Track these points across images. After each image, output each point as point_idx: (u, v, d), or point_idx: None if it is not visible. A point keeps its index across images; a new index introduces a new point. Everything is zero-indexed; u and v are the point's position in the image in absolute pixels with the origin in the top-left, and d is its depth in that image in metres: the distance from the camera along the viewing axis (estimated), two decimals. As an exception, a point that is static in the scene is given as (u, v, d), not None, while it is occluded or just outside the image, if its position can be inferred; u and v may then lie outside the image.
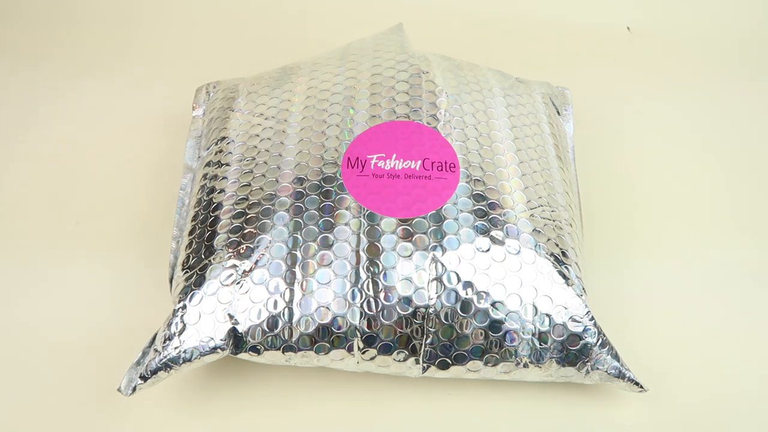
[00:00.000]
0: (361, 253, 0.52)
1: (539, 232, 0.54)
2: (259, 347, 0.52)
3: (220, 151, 0.60)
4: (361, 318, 0.51)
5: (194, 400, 0.56)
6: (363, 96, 0.60)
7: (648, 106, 0.79)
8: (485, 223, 0.53)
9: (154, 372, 0.52)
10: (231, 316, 0.52)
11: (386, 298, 0.51)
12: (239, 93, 0.64)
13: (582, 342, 0.53)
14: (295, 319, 0.52)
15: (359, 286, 0.52)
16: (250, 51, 0.82)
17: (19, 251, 0.65)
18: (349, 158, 0.56)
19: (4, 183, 0.70)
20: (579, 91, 0.73)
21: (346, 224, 0.53)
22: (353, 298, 0.51)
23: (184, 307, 0.53)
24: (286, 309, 0.52)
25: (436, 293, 0.52)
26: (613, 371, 0.53)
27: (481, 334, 0.52)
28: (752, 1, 0.89)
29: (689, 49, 0.85)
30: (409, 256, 0.52)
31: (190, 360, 0.52)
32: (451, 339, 0.52)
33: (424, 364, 0.53)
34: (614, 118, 0.77)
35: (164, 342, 0.52)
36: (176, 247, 0.58)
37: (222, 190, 0.57)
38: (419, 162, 0.56)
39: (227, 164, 0.59)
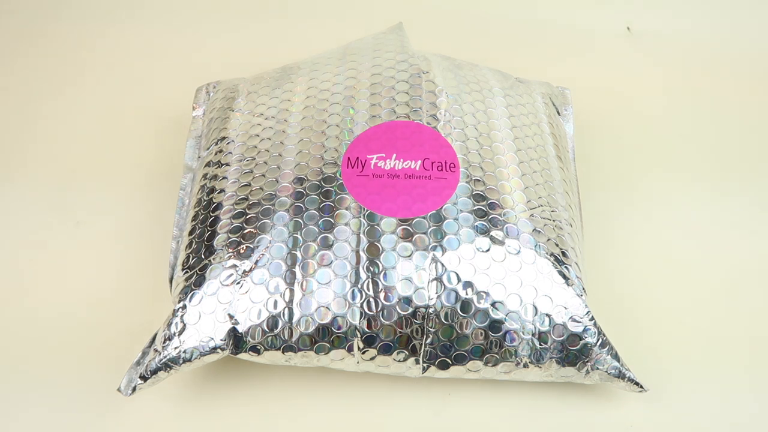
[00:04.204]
0: (361, 253, 0.52)
1: (539, 232, 0.54)
2: (259, 347, 0.52)
3: (220, 151, 0.60)
4: (361, 318, 0.51)
5: (194, 400, 0.56)
6: (363, 96, 0.60)
7: (648, 106, 0.79)
8: (485, 223, 0.53)
9: (154, 372, 0.52)
10: (231, 316, 0.52)
11: (386, 298, 0.51)
12: (239, 93, 0.64)
13: (582, 342, 0.53)
14: (295, 319, 0.52)
15: (359, 286, 0.52)
16: (250, 51, 0.82)
17: (19, 251, 0.65)
18: (349, 158, 0.56)
19: (4, 183, 0.70)
20: (579, 91, 0.73)
21: (346, 224, 0.53)
22: (353, 298, 0.51)
23: (184, 307, 0.53)
24: (286, 309, 0.52)
25: (436, 293, 0.52)
26: (613, 371, 0.53)
27: (481, 334, 0.52)
28: (752, 1, 0.89)
29: (689, 49, 0.85)
30: (409, 256, 0.52)
31: (190, 360, 0.52)
32: (451, 339, 0.52)
33: (424, 364, 0.53)
34: (614, 118, 0.77)
35: (164, 342, 0.52)
36: (176, 247, 0.58)
37: (222, 190, 0.57)
38: (419, 162, 0.56)
39: (227, 164, 0.59)
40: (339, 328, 0.52)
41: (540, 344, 0.53)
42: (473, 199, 0.54)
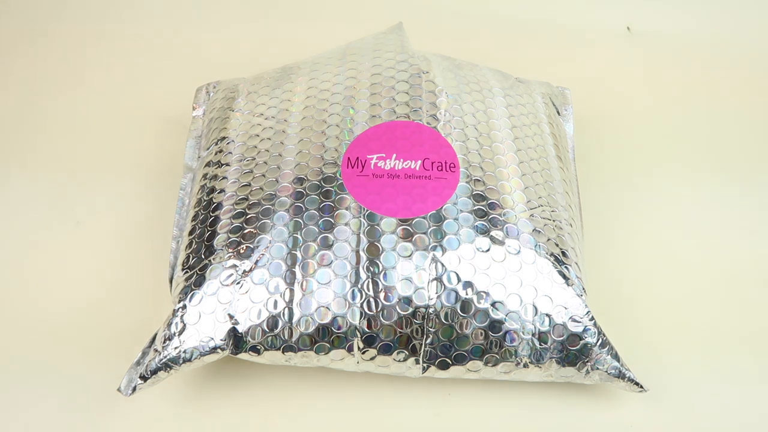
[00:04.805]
0: (361, 253, 0.52)
1: (539, 232, 0.54)
2: (259, 347, 0.52)
3: (220, 151, 0.60)
4: (361, 318, 0.51)
5: (194, 400, 0.56)
6: (363, 96, 0.60)
7: (648, 106, 0.79)
8: (485, 223, 0.53)
9: (154, 372, 0.52)
10: (231, 316, 0.52)
11: (386, 298, 0.51)
12: (239, 93, 0.64)
13: (582, 342, 0.53)
14: (295, 319, 0.52)
15: (359, 286, 0.52)
16: (250, 51, 0.82)
17: (19, 251, 0.65)
18: (349, 158, 0.56)
19: (4, 183, 0.70)
20: (579, 91, 0.73)
21: (346, 224, 0.53)
22: (353, 298, 0.51)
23: (184, 307, 0.53)
24: (286, 309, 0.52)
25: (436, 293, 0.52)
26: (613, 371, 0.53)
27: (481, 334, 0.52)
28: (752, 1, 0.89)
29: (689, 48, 0.85)
30: (409, 256, 0.52)
31: (190, 360, 0.52)
32: (451, 339, 0.52)
33: (424, 364, 0.53)
34: (614, 118, 0.77)
35: (164, 342, 0.52)
36: (176, 247, 0.58)
37: (222, 190, 0.57)
38: (419, 162, 0.56)
39: (227, 164, 0.59)
40: (339, 328, 0.52)
41: (540, 344, 0.53)
42: (473, 199, 0.54)
